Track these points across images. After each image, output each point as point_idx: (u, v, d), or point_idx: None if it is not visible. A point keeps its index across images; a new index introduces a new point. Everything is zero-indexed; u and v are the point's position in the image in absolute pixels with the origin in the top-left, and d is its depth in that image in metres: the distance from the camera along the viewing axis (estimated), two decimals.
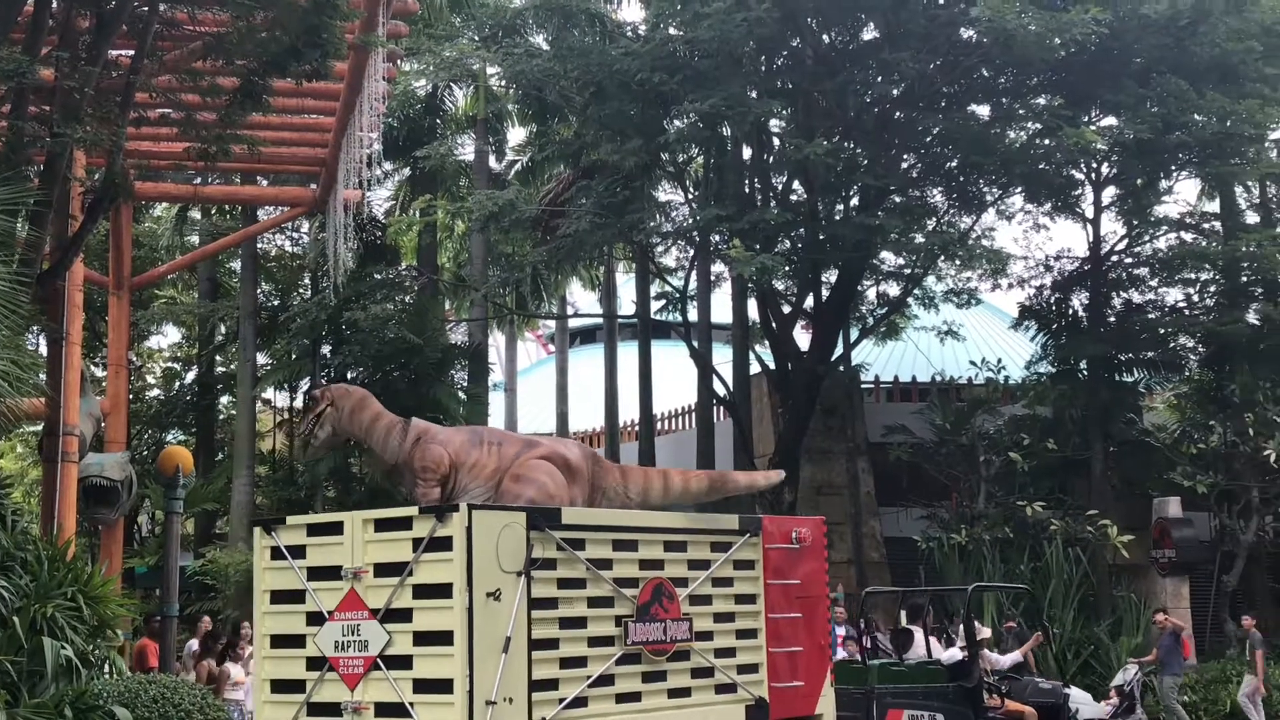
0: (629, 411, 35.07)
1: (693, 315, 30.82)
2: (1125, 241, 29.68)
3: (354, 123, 16.05)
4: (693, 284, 31.00)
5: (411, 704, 8.62)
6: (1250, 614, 24.01)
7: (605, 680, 9.36)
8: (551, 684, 8.99)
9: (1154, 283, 29.94)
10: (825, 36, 26.28)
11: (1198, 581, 26.66)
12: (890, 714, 13.62)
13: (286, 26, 13.03)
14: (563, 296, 38.28)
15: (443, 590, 8.65)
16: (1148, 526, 25.92)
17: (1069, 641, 24.84)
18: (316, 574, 9.25)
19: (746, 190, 27.48)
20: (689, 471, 11.83)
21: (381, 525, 9.08)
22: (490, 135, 31.15)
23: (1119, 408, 28.47)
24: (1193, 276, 29.76)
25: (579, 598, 9.34)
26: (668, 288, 30.73)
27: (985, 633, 16.08)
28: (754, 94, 25.51)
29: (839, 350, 28.90)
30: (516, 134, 34.90)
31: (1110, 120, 26.69)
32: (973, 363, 30.53)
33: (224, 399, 33.47)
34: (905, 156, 27.27)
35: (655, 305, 31.69)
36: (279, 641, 9.48)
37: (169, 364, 36.27)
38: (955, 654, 14.97)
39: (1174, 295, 30.17)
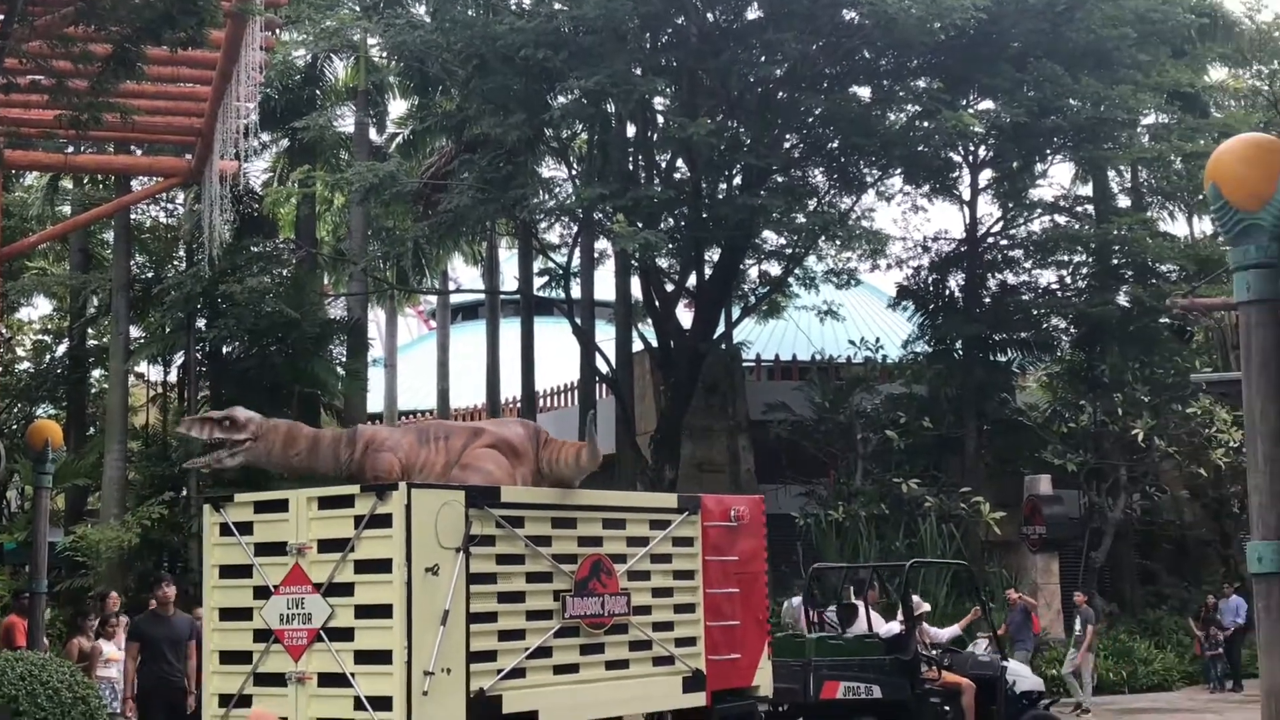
0: (511, 388, 34.93)
1: (576, 292, 30.75)
2: (1001, 224, 30.24)
3: (231, 92, 15.70)
4: (576, 261, 30.92)
5: (353, 674, 8.98)
6: (1080, 592, 24.74)
7: (543, 652, 9.71)
8: (490, 655, 9.32)
9: (1028, 264, 30.56)
10: (709, 15, 26.31)
11: (1067, 557, 27.29)
12: (827, 685, 13.79)
13: None
14: (444, 272, 37.89)
15: (383, 565, 8.96)
16: (1019, 504, 26.42)
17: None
18: (263, 549, 9.55)
19: (630, 167, 27.44)
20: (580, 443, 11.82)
21: (325, 503, 9.40)
22: (371, 107, 30.69)
23: (993, 387, 29.03)
24: (1065, 259, 30.43)
25: (518, 573, 9.66)
26: (551, 264, 30.57)
27: (924, 607, 16.31)
28: (638, 71, 25.47)
29: (721, 328, 29.09)
30: (398, 106, 34.47)
31: (988, 104, 27.16)
32: (852, 342, 30.91)
33: (96, 373, 32.70)
34: (787, 137, 27.44)
35: (538, 282, 31.50)
36: (227, 614, 9.78)
37: (39, 336, 35.53)
38: (894, 627, 15.18)
39: (1047, 277, 30.86)
